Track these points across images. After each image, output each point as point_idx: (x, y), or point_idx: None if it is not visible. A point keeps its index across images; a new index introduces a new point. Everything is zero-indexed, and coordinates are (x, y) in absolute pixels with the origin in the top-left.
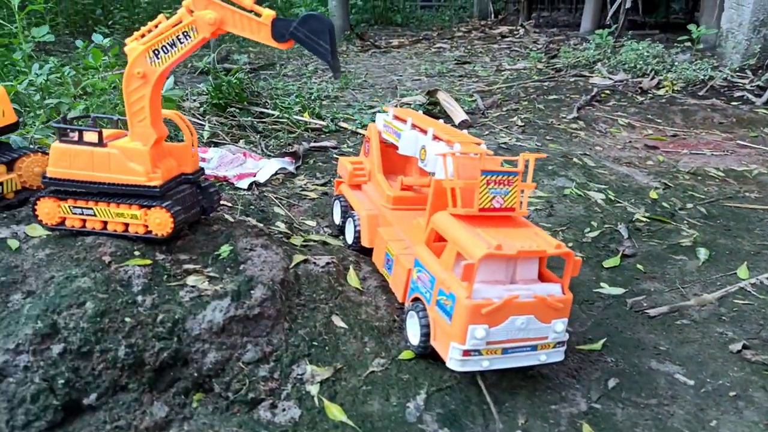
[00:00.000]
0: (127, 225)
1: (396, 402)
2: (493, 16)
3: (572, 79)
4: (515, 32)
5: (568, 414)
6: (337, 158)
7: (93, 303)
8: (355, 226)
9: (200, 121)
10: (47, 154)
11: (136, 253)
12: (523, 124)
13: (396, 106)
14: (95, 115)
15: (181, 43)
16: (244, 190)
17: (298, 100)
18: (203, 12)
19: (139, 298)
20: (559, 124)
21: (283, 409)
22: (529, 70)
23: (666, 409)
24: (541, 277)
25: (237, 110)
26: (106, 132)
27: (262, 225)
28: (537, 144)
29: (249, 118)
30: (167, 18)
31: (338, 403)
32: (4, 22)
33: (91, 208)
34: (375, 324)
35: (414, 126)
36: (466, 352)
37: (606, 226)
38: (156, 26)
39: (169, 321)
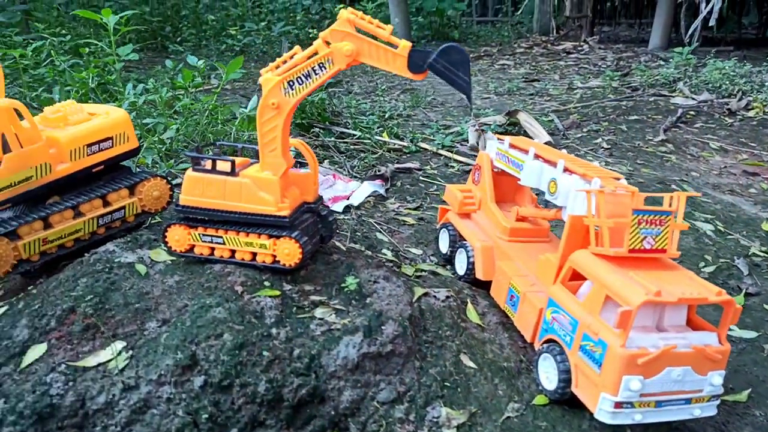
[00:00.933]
0: (254, 254)
1: None
2: (554, 32)
3: (651, 99)
4: (579, 48)
5: None
6: (424, 180)
7: (230, 335)
8: (468, 257)
9: None
10: (165, 178)
11: (266, 283)
12: (608, 146)
13: (474, 126)
14: (220, 142)
15: (317, 74)
16: (340, 213)
17: (376, 120)
18: (341, 44)
19: (274, 331)
20: (646, 147)
21: None
22: (603, 88)
23: None
24: (690, 324)
25: (320, 130)
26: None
27: (371, 253)
28: (629, 168)
29: (332, 138)
30: (302, 49)
31: None
32: (92, 40)
33: (221, 237)
34: (503, 364)
35: (537, 156)
36: (618, 404)
37: (721, 260)
38: (291, 57)
39: (306, 356)
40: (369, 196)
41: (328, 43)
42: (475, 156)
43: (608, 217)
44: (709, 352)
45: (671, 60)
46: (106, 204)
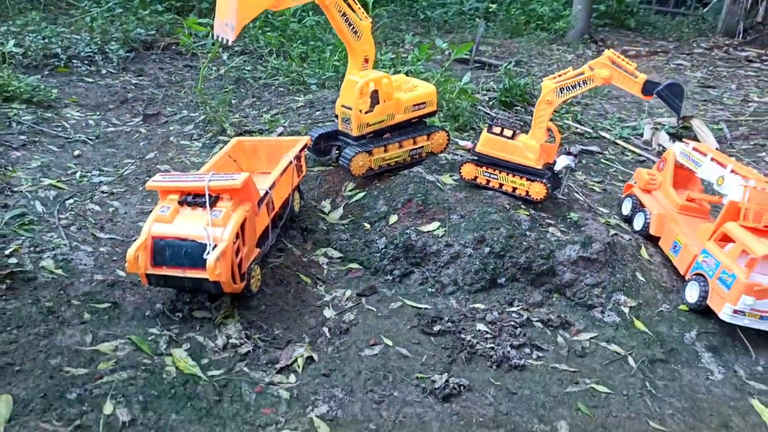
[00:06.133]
0: (514, 188)
1: (677, 330)
2: (740, 36)
3: None
4: (764, 58)
5: None
6: (604, 162)
7: (504, 229)
8: (645, 219)
9: (490, 113)
10: (447, 132)
11: (522, 207)
12: None
13: (650, 125)
14: (496, 118)
15: (579, 87)
16: None
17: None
18: (601, 70)
19: (528, 233)
20: None
21: (608, 315)
22: None
23: None
24: None
25: (521, 108)
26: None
27: (582, 201)
28: None
29: (529, 117)
30: (573, 69)
31: (641, 321)
32: None
33: (496, 175)
34: (662, 284)
35: (713, 159)
36: (736, 311)
37: None
38: (565, 73)
39: (547, 250)
40: (565, 166)
41: (591, 68)
42: (647, 149)
43: (755, 203)
44: None
45: None
46: (414, 143)
